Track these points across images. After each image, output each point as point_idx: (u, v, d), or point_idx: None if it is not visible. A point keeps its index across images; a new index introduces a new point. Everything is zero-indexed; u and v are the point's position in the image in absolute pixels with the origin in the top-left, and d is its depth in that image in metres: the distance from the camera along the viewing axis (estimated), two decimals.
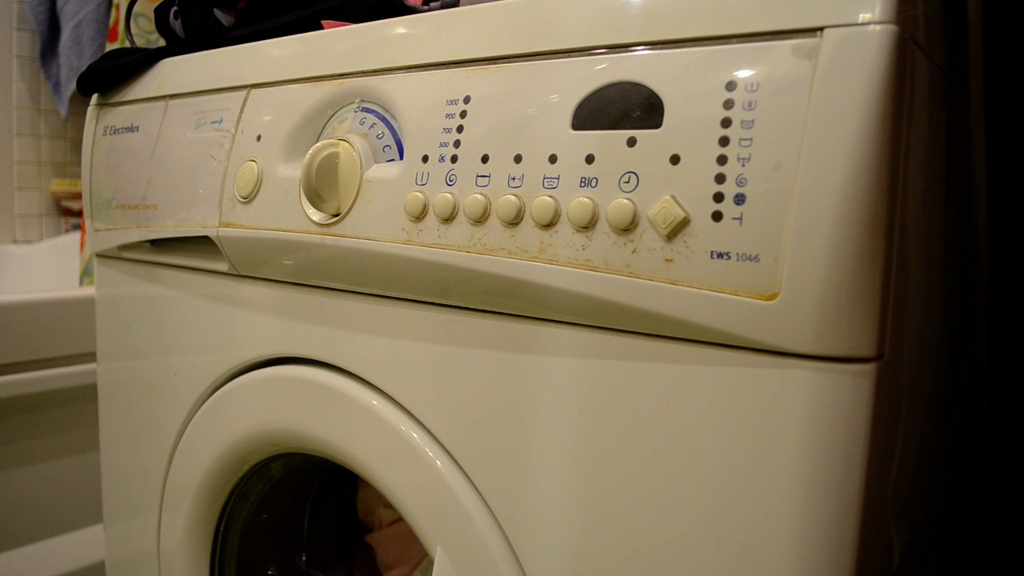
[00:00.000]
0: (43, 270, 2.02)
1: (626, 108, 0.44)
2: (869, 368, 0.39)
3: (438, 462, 0.54)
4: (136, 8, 1.31)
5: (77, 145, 2.22)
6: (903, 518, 0.50)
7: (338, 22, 0.65)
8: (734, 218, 0.40)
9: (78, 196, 2.16)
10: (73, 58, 1.95)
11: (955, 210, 0.56)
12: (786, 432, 0.40)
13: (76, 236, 2.06)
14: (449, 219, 0.50)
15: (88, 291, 1.28)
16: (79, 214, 2.18)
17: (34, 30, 2.08)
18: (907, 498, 0.50)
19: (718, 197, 0.40)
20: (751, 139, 0.39)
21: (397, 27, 0.56)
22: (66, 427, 1.29)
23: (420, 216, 0.51)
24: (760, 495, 0.41)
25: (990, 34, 0.54)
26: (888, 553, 0.47)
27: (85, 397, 1.27)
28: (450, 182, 0.50)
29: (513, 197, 0.47)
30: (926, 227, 0.47)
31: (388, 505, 0.86)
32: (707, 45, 0.42)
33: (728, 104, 0.40)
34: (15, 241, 2.14)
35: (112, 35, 1.74)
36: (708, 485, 0.42)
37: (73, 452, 1.31)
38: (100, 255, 0.83)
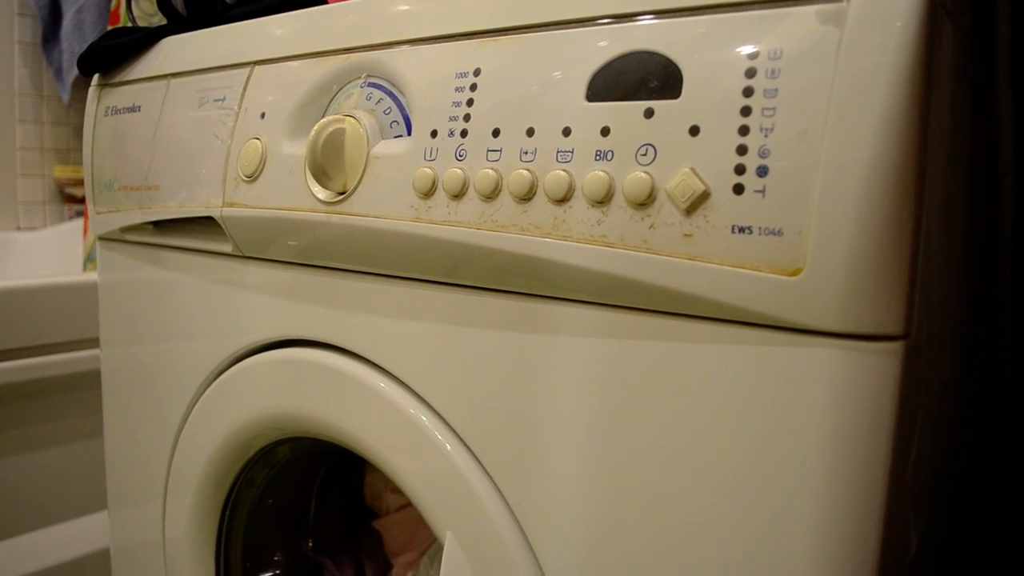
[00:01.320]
0: (46, 257, 2.02)
1: (643, 78, 0.42)
2: (896, 346, 0.37)
3: (447, 446, 0.53)
4: None
5: (80, 131, 2.20)
6: (922, 502, 0.49)
7: None
8: (756, 191, 0.38)
9: (81, 183, 2.15)
10: (75, 43, 1.94)
11: (979, 185, 0.55)
12: (809, 413, 0.38)
13: (79, 223, 2.05)
14: (459, 195, 0.48)
15: (91, 276, 1.27)
16: (82, 200, 2.17)
17: (36, 16, 2.07)
18: (926, 481, 0.49)
19: (739, 169, 0.39)
20: (774, 109, 0.38)
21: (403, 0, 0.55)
22: (70, 413, 1.29)
23: (429, 192, 0.50)
24: (781, 478, 0.39)
25: (1019, 2, 0.52)
26: (906, 540, 0.46)
27: (89, 383, 1.26)
28: (460, 157, 0.49)
29: (525, 172, 0.45)
30: (950, 202, 0.46)
31: (396, 490, 0.86)
32: (727, 12, 0.40)
33: (750, 73, 0.39)
34: (18, 228, 2.13)
35: (114, 19, 1.72)
36: (727, 467, 0.41)
37: (77, 439, 1.30)
38: (103, 238, 0.82)
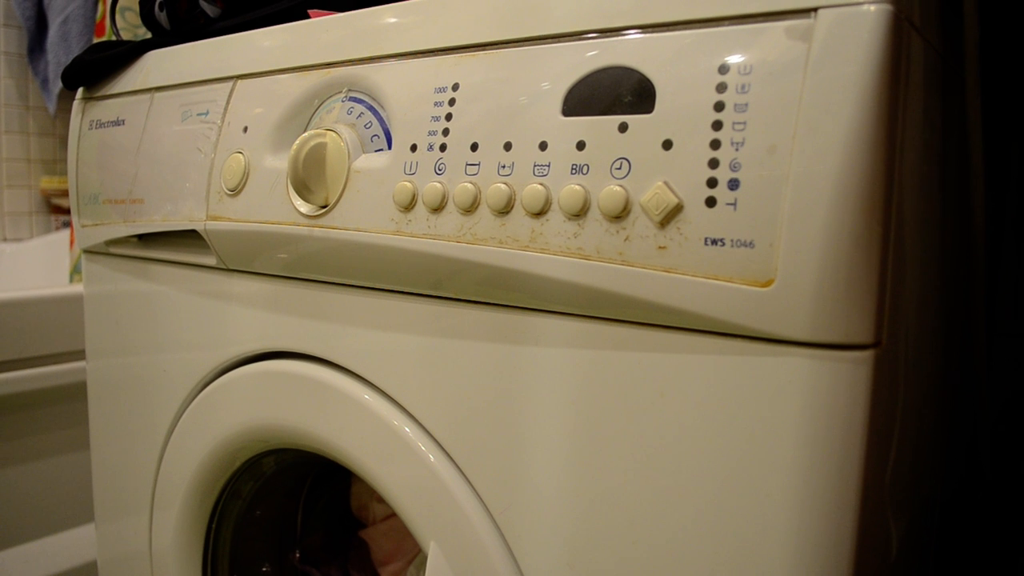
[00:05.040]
0: (33, 268, 2.01)
1: (617, 93, 0.43)
2: (867, 355, 0.38)
3: (431, 456, 0.53)
4: (122, 2, 1.29)
5: (66, 142, 2.20)
6: (901, 506, 0.49)
7: (325, 11, 0.64)
8: (728, 204, 0.39)
9: (68, 193, 2.14)
10: (61, 54, 1.94)
11: (952, 196, 0.56)
12: (783, 420, 0.39)
13: (66, 234, 2.04)
14: (438, 209, 0.49)
15: (78, 288, 1.27)
16: (69, 211, 2.17)
17: (21, 26, 2.07)
18: (905, 486, 0.50)
19: (712, 182, 0.39)
20: (745, 123, 0.39)
21: (385, 15, 0.56)
22: (57, 425, 1.28)
23: (409, 206, 0.50)
24: (757, 484, 0.40)
25: (987, 16, 0.53)
26: (887, 542, 0.47)
27: (75, 395, 1.26)
28: (439, 171, 0.49)
29: (503, 185, 0.46)
30: (923, 213, 0.47)
31: (382, 500, 0.86)
32: (699, 28, 0.41)
33: (721, 88, 0.39)
34: (5, 239, 2.12)
35: (99, 30, 1.72)
36: (704, 474, 0.42)
37: (64, 451, 1.30)
38: (88, 251, 0.82)
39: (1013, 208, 0.81)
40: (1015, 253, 0.80)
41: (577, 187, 0.43)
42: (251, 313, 0.65)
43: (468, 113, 0.49)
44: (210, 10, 0.75)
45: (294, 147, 0.55)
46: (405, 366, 0.54)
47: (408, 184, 0.50)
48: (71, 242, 1.75)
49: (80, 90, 0.82)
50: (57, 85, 2.00)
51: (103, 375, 0.83)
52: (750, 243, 0.38)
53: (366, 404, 0.57)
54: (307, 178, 0.55)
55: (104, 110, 0.78)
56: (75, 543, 1.30)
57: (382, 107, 0.54)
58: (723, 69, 0.40)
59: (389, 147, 0.53)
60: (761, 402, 0.40)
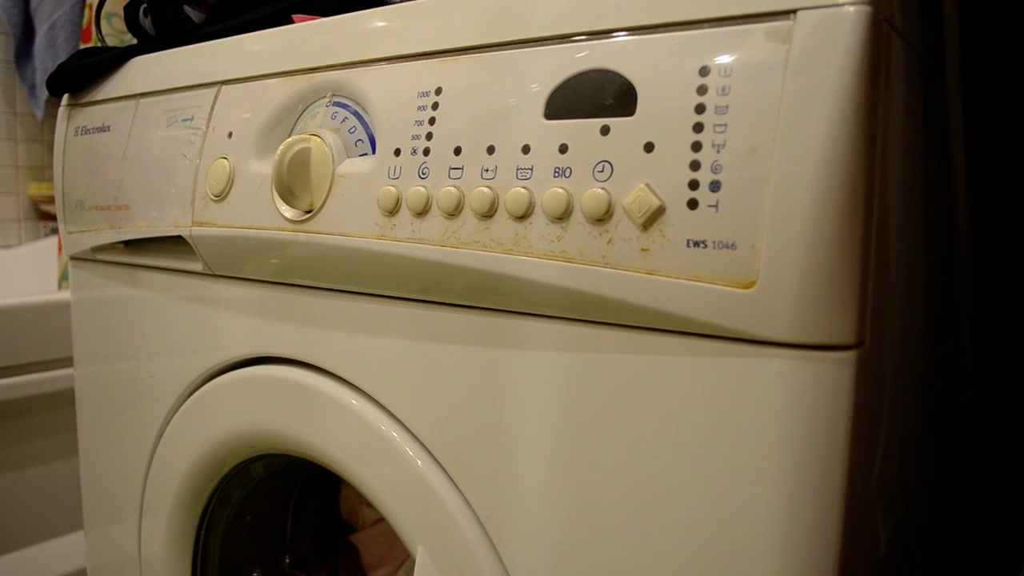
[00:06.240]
0: (22, 275, 2.00)
1: (599, 96, 0.43)
2: (849, 355, 0.38)
3: (418, 461, 0.53)
4: (109, 8, 1.29)
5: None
6: (889, 505, 0.49)
7: (308, 16, 0.64)
8: (710, 205, 0.39)
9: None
10: (48, 60, 1.93)
11: (935, 196, 0.56)
12: (767, 421, 0.39)
13: (54, 240, 2.03)
14: (422, 213, 0.49)
15: (66, 295, 1.26)
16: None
17: (8, 32, 2.06)
18: (893, 485, 0.50)
19: (693, 184, 0.39)
20: (725, 125, 0.39)
21: (368, 19, 0.56)
22: (45, 433, 1.28)
23: (393, 210, 0.50)
24: (742, 484, 0.40)
25: (967, 16, 0.54)
26: (875, 539, 0.47)
27: (64, 402, 1.26)
28: (423, 175, 0.49)
29: (486, 189, 0.46)
30: (906, 213, 0.47)
31: (371, 504, 0.86)
32: (680, 30, 0.41)
33: (702, 90, 0.40)
34: None
35: (86, 36, 1.72)
36: (689, 475, 0.42)
37: (53, 458, 1.29)
38: (74, 258, 0.82)
39: (1000, 206, 0.81)
40: (1003, 251, 0.81)
41: (560, 190, 0.43)
42: (238, 318, 0.65)
43: (451, 117, 0.49)
44: (195, 16, 0.75)
45: (278, 152, 0.55)
46: (392, 370, 0.54)
47: (392, 188, 0.50)
48: (59, 248, 1.75)
49: (65, 96, 0.82)
50: (44, 91, 1.99)
51: (91, 381, 0.82)
52: (732, 245, 0.38)
53: (353, 409, 0.57)
54: (292, 183, 0.55)
55: (90, 116, 0.78)
56: (65, 551, 1.29)
57: (366, 112, 0.54)
58: (704, 71, 0.40)
59: (373, 151, 0.53)
60: (745, 403, 0.40)
